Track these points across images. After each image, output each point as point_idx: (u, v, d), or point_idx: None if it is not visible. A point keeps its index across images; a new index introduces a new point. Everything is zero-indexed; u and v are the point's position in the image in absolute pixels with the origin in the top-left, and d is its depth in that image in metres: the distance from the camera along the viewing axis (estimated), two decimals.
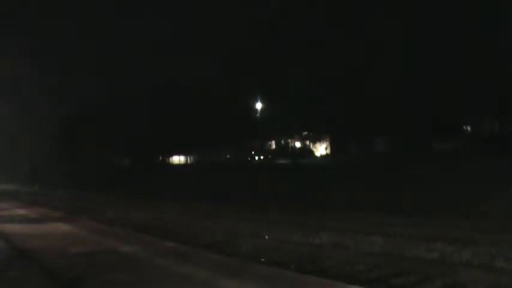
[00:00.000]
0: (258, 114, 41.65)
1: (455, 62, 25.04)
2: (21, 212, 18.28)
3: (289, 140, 47.51)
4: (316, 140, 45.42)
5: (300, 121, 38.45)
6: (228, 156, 51.48)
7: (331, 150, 41.98)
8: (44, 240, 10.05)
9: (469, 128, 32.00)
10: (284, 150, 45.79)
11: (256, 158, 47.21)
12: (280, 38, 33.31)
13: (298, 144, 47.50)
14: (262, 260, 9.21)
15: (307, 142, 46.69)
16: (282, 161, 38.34)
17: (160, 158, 59.11)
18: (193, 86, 42.51)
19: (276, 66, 34.29)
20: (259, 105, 41.72)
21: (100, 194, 31.45)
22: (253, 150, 47.98)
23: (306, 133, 45.27)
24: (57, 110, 49.16)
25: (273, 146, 48.37)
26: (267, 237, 11.56)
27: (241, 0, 35.64)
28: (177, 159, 60.28)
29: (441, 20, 25.31)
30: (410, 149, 29.32)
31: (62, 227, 12.50)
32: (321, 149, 45.31)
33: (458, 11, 24.70)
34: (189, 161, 58.48)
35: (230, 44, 37.18)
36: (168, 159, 60.12)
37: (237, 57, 37.46)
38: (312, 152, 44.87)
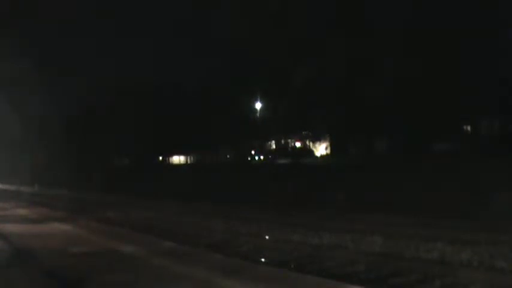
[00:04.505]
0: (258, 114, 41.62)
1: (455, 61, 25.03)
2: (22, 212, 18.28)
3: (289, 140, 47.48)
4: (316, 140, 45.40)
5: (300, 121, 38.44)
6: (228, 156, 51.48)
7: (331, 150, 41.95)
8: (44, 240, 10.05)
9: (469, 128, 31.95)
10: (284, 150, 45.76)
11: (256, 158, 47.21)
12: (280, 38, 33.29)
13: (298, 144, 47.48)
14: (262, 260, 9.22)
15: (307, 142, 46.68)
16: (282, 161, 38.34)
17: (161, 158, 59.14)
18: (192, 86, 42.53)
19: (276, 66, 34.30)
20: (259, 105, 41.71)
21: (100, 194, 31.47)
22: (253, 150, 47.98)
23: (306, 133, 45.25)
24: (58, 110, 49.17)
25: (273, 146, 48.34)
26: (267, 237, 11.57)
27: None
28: (177, 159, 60.30)
29: (441, 19, 25.30)
30: (410, 149, 29.30)
31: (62, 227, 12.50)
32: (321, 149, 45.29)
33: (458, 10, 24.69)
34: (189, 161, 58.50)
35: (230, 44, 37.21)
36: (168, 159, 60.14)
37: (236, 56, 37.50)
38: (312, 152, 44.85)
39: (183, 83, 44.06)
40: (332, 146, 41.93)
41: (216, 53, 40.03)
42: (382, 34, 27.78)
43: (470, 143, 28.66)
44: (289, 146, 47.09)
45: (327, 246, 10.00)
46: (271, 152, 46.84)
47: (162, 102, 44.98)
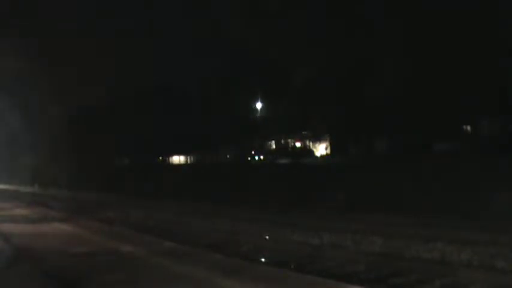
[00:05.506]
0: (258, 114, 41.65)
1: (455, 61, 25.03)
2: (22, 212, 18.27)
3: (289, 140, 47.49)
4: (316, 140, 45.41)
5: (300, 121, 38.46)
6: (228, 156, 51.48)
7: (331, 150, 41.95)
8: (44, 240, 10.06)
9: (469, 128, 31.94)
10: (284, 150, 45.76)
11: (256, 158, 47.21)
12: (279, 38, 33.29)
13: (298, 144, 47.48)
14: (262, 260, 9.23)
15: (307, 142, 46.68)
16: (282, 161, 38.35)
17: (160, 158, 59.15)
18: (192, 86, 42.52)
19: (276, 66, 34.29)
20: (259, 105, 41.74)
21: (100, 194, 31.47)
22: (253, 150, 47.98)
23: (306, 133, 45.26)
24: (58, 110, 49.11)
25: (273, 146, 48.35)
26: (267, 237, 11.57)
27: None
28: (177, 159, 60.30)
29: (441, 19, 25.29)
30: (411, 149, 29.29)
31: (62, 227, 12.50)
32: (321, 149, 45.28)
33: (458, 10, 24.69)
34: (189, 161, 58.49)
35: (230, 44, 37.21)
36: (168, 159, 60.15)
37: (236, 56, 37.52)
38: (312, 152, 44.84)
39: (183, 83, 44.06)
40: (332, 146, 41.94)
41: (216, 53, 40.03)
42: (382, 34, 27.77)
43: (470, 143, 28.66)
44: (289, 146, 47.10)
45: (327, 246, 10.01)
46: (271, 152, 46.86)
47: (162, 102, 44.99)
